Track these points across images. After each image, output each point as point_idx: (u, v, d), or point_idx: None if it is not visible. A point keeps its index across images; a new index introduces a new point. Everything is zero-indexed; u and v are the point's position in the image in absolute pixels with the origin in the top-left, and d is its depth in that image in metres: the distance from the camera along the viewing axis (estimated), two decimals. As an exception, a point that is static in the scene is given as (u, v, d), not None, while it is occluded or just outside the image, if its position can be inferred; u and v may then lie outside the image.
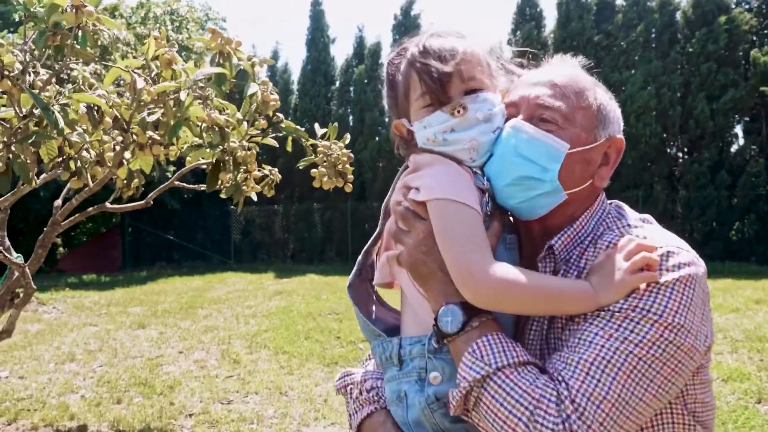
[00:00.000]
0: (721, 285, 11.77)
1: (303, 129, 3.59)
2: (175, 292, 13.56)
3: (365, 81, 19.37)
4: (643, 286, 1.18)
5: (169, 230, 21.58)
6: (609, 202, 1.43)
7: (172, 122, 3.40)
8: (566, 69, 1.41)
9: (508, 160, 1.30)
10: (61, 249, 21.45)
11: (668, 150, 17.24)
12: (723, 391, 5.62)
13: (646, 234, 1.28)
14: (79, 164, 3.55)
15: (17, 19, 16.50)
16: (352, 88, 19.88)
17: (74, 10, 2.79)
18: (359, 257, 1.51)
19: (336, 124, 3.71)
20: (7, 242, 4.42)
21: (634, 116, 16.24)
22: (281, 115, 3.42)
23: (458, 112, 1.29)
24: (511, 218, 1.40)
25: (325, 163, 3.69)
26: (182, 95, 3.25)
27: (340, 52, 20.84)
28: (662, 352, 1.14)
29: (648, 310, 1.16)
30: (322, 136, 3.69)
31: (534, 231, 1.40)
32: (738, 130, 17.13)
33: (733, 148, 17.09)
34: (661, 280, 1.18)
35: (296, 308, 10.77)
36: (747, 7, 17.09)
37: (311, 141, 3.64)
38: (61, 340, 8.70)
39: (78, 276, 17.78)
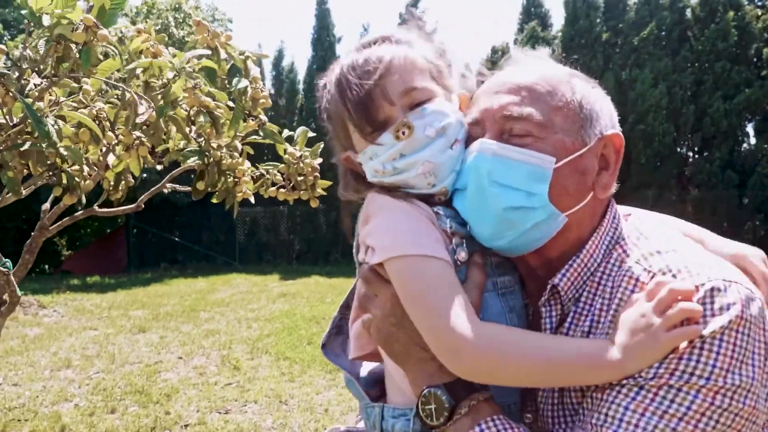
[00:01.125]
0: (735, 287, 11.52)
1: (308, 129, 3.41)
2: (178, 294, 13.40)
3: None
4: (683, 344, 0.93)
5: (173, 231, 21.45)
6: (623, 213, 1.19)
7: (160, 120, 3.22)
8: (531, 65, 1.15)
9: (485, 192, 1.04)
10: (64, 250, 21.35)
11: (679, 149, 16.96)
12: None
13: (680, 265, 1.00)
14: (72, 179, 3.37)
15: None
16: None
17: (85, 30, 2.61)
18: (335, 313, 1.30)
19: (305, 129, 3.45)
20: (-6, 248, 4.25)
21: (646, 115, 15.99)
22: (264, 118, 3.21)
23: (403, 133, 1.08)
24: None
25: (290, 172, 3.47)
26: (169, 74, 3.05)
27: (346, 51, 20.63)
28: (715, 425, 0.90)
29: (691, 373, 0.91)
30: (289, 141, 3.47)
31: (534, 266, 1.13)
32: (749, 129, 16.85)
33: (744, 147, 16.80)
34: (706, 331, 0.92)
35: (300, 312, 10.57)
36: (760, 3, 16.77)
37: (286, 147, 3.44)
38: (59, 345, 8.53)
39: (82, 278, 17.64)
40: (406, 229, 1.05)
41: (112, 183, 3.90)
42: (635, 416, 0.91)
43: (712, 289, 0.95)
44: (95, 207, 4.74)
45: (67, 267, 20.42)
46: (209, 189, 3.59)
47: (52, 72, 2.44)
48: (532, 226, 1.05)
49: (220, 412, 5.57)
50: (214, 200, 3.66)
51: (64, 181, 3.05)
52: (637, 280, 1.02)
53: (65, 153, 2.87)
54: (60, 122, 2.53)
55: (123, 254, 21.02)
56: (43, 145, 2.51)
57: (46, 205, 4.39)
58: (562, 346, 0.98)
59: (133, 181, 3.98)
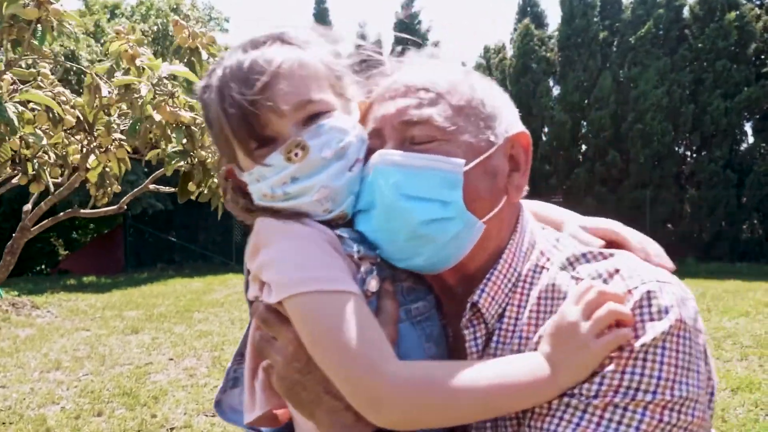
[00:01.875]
0: (731, 287, 11.46)
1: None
2: (173, 294, 13.35)
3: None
4: (625, 356, 0.85)
5: (170, 231, 21.42)
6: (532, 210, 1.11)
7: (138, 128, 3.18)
8: (426, 65, 1.04)
9: (395, 207, 0.93)
10: (61, 250, 21.31)
11: (678, 148, 16.91)
12: (731, 403, 5.34)
13: (610, 268, 0.93)
14: (37, 167, 3.33)
15: None
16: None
17: (37, 6, 2.56)
18: (229, 364, 1.14)
19: None
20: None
21: (645, 114, 15.95)
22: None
23: (296, 155, 0.93)
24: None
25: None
26: (143, 90, 3.01)
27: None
28: None
29: (636, 388, 0.84)
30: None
31: (451, 283, 1.03)
32: (747, 128, 16.81)
33: (742, 147, 16.75)
34: (646, 338, 0.85)
35: (293, 312, 10.52)
36: (758, 2, 16.71)
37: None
38: (50, 346, 8.49)
39: (78, 278, 17.61)
40: (305, 260, 0.91)
41: (95, 183, 3.87)
42: None
43: (648, 292, 0.87)
44: (78, 209, 4.72)
45: (65, 267, 20.39)
46: (198, 190, 3.55)
47: (9, 56, 2.41)
48: (450, 238, 0.95)
49: (207, 415, 5.53)
50: (201, 200, 3.62)
51: (30, 170, 3.01)
52: (565, 289, 0.95)
53: (30, 139, 2.82)
54: (20, 107, 2.48)
55: (120, 254, 20.99)
56: (7, 131, 2.47)
57: (28, 206, 4.35)
58: (492, 372, 0.87)
59: (120, 187, 3.95)
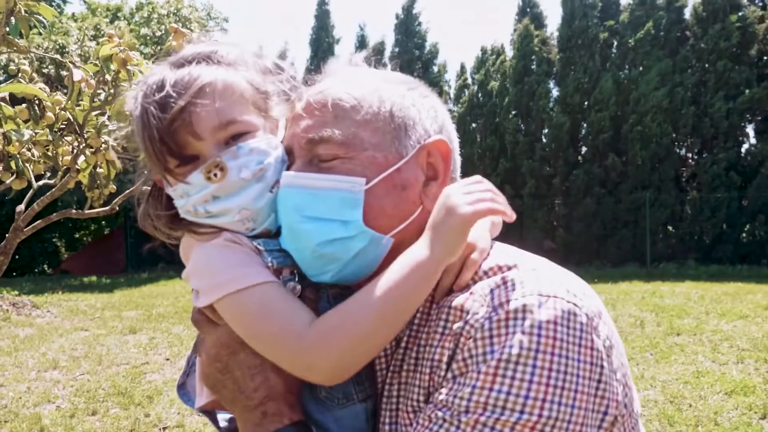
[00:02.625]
0: (731, 289, 11.43)
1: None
2: (173, 295, 13.39)
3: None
4: (491, 371, 0.84)
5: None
6: None
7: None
8: (334, 78, 1.05)
9: (296, 229, 0.96)
10: (63, 251, 21.40)
11: (678, 150, 16.88)
12: (725, 406, 5.33)
13: (505, 276, 0.93)
14: (20, 163, 3.35)
15: None
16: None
17: None
18: (189, 352, 1.20)
19: None
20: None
21: (644, 116, 15.94)
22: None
23: (215, 175, 0.95)
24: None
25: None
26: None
27: (344, 52, 20.73)
28: None
29: (503, 407, 0.82)
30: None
31: None
32: (749, 130, 16.75)
33: (744, 149, 16.70)
34: (513, 352, 0.83)
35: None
36: (760, 4, 16.68)
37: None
38: (48, 345, 8.53)
39: (79, 278, 17.67)
40: (225, 265, 0.96)
41: (87, 185, 3.89)
42: None
43: (524, 306, 0.86)
44: (72, 210, 4.74)
45: (67, 267, 20.48)
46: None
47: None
48: (353, 255, 0.96)
49: (199, 415, 5.54)
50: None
51: (13, 167, 3.03)
52: (468, 288, 0.95)
53: (13, 136, 2.84)
54: (1, 103, 2.50)
55: (122, 255, 21.06)
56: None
57: (21, 207, 4.38)
58: (384, 282, 0.91)
59: (114, 187, 3.97)
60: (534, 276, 0.91)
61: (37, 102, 2.84)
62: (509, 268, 0.95)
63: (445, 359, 0.91)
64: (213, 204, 0.97)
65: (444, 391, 0.88)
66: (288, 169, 1.00)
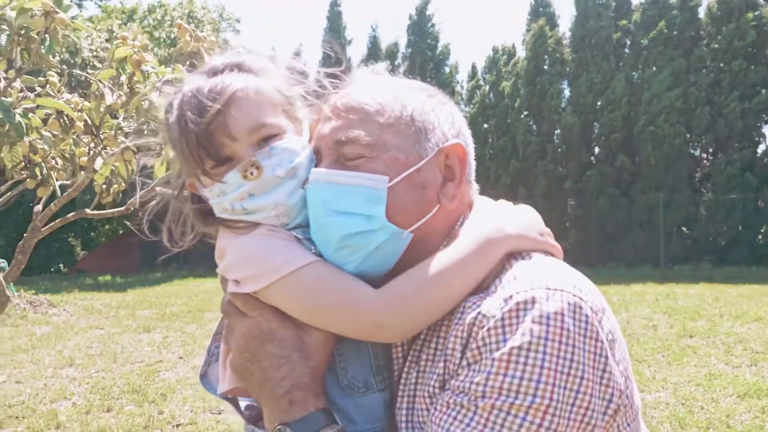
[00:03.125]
0: (746, 291, 11.36)
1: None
2: (186, 294, 13.51)
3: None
4: (505, 357, 0.90)
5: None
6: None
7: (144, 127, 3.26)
8: (358, 85, 1.12)
9: (323, 222, 1.03)
10: (79, 250, 21.62)
11: (692, 151, 16.76)
12: (738, 409, 5.30)
13: (516, 273, 0.99)
14: (45, 172, 3.42)
15: None
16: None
17: (44, 16, 2.65)
18: (209, 342, 1.26)
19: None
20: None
21: (656, 116, 15.85)
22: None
23: (251, 173, 1.03)
24: None
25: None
26: (153, 97, 3.11)
27: (356, 53, 20.90)
28: None
29: (517, 391, 0.89)
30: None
31: None
32: (765, 130, 16.62)
33: (760, 149, 16.56)
34: (524, 340, 0.90)
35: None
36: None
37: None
38: (65, 343, 8.64)
39: (95, 277, 17.86)
40: (273, 251, 1.03)
41: (103, 186, 3.97)
42: None
43: (533, 298, 0.92)
44: (86, 210, 4.82)
45: (82, 267, 20.70)
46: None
47: (18, 65, 2.49)
48: (375, 248, 1.03)
49: (212, 413, 5.61)
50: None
51: (38, 174, 3.10)
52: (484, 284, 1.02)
53: (39, 144, 2.91)
54: (29, 114, 2.57)
55: (136, 255, 21.25)
56: (14, 136, 2.56)
57: (38, 207, 4.46)
58: (454, 252, 1.01)
59: (124, 184, 4.03)
60: (542, 271, 0.99)
61: (66, 115, 2.91)
62: (518, 263, 1.02)
63: (458, 347, 0.97)
64: (249, 201, 1.05)
65: (460, 377, 0.94)
66: (316, 167, 1.08)
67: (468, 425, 0.90)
